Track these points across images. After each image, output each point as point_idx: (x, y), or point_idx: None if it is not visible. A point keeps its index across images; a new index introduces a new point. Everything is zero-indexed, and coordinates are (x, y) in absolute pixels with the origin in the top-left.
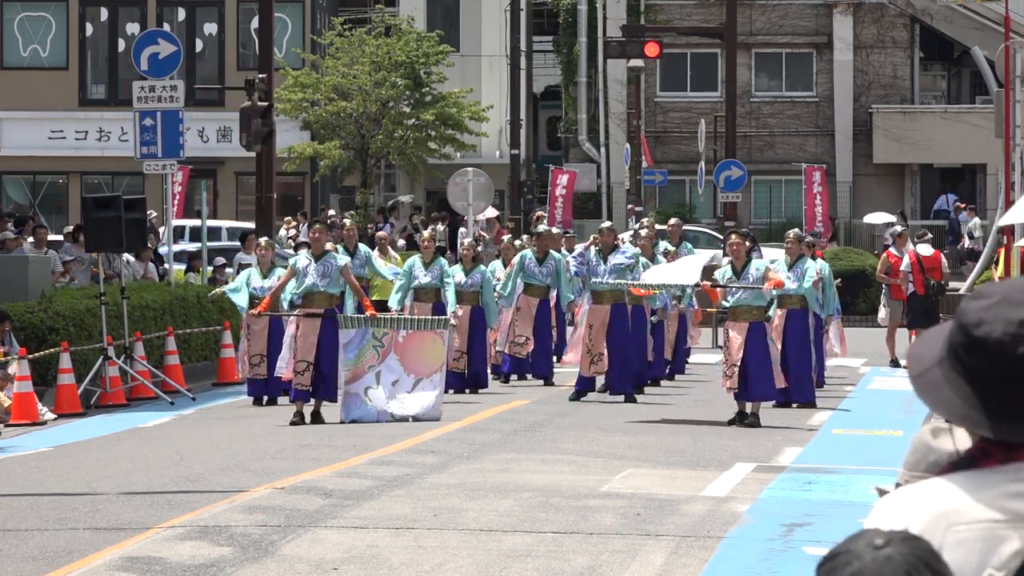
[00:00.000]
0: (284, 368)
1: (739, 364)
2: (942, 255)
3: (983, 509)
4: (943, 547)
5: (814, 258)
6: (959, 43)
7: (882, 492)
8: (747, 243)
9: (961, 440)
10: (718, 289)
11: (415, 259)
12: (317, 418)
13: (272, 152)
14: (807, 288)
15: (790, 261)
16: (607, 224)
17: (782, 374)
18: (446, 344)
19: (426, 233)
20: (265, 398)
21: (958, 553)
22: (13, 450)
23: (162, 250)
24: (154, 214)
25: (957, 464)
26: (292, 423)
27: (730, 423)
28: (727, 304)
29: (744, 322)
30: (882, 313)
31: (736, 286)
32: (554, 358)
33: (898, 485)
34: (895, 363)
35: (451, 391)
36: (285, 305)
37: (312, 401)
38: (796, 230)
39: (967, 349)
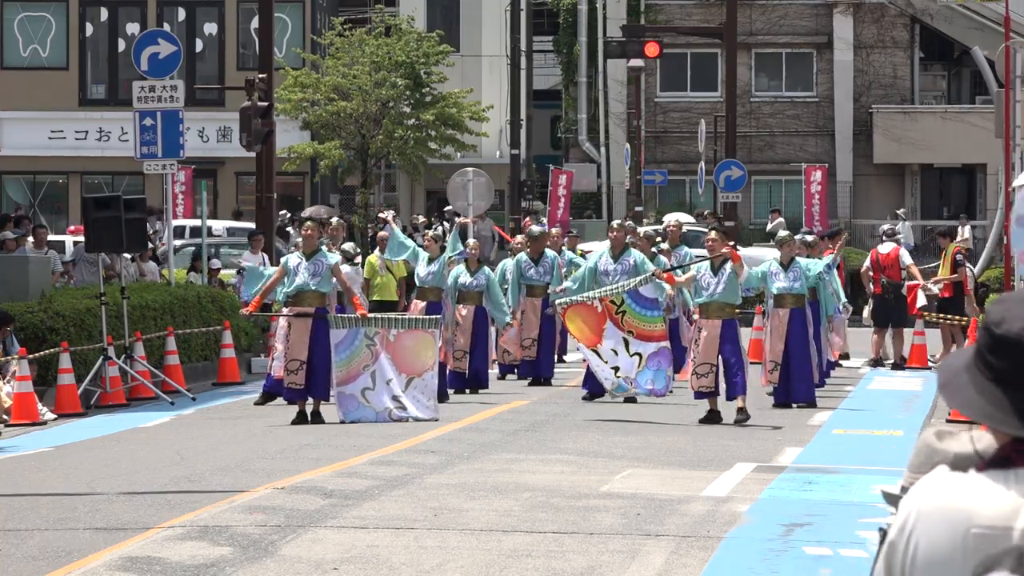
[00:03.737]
0: (278, 367)
1: (716, 363)
2: (902, 253)
3: (1009, 512)
4: (962, 546)
5: (809, 257)
6: (959, 43)
7: (887, 495)
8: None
9: (967, 443)
10: (675, 275)
11: (425, 253)
12: (317, 418)
13: (272, 152)
14: (814, 278)
15: (784, 262)
16: (617, 221)
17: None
18: (437, 343)
19: (429, 232)
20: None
21: (976, 554)
22: (13, 450)
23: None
24: (153, 229)
25: (991, 463)
26: (294, 423)
27: (703, 422)
28: (699, 300)
29: (717, 319)
30: (866, 312)
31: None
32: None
33: (903, 489)
34: (874, 363)
35: (451, 391)
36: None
37: (311, 401)
38: (786, 231)
39: (991, 348)
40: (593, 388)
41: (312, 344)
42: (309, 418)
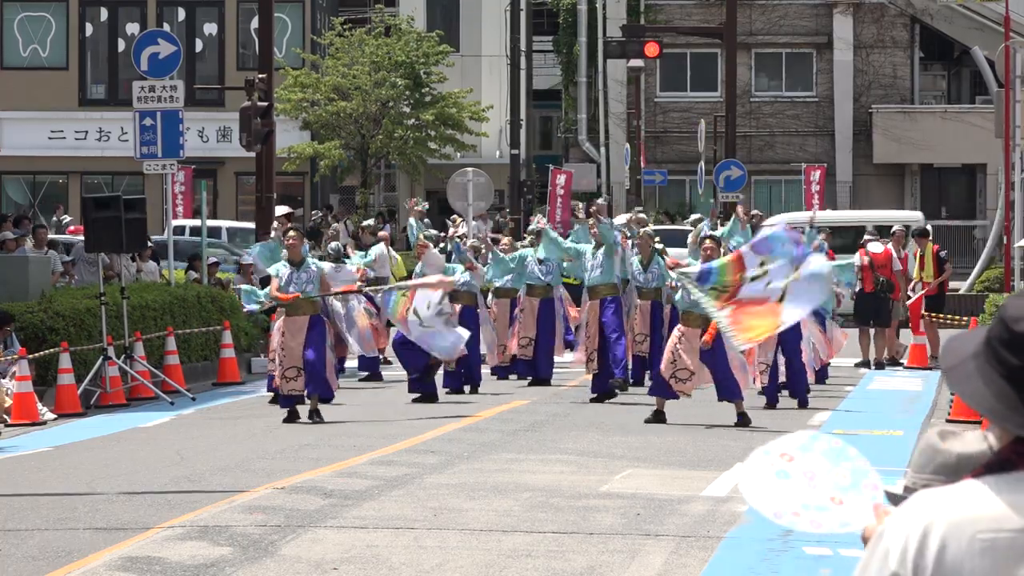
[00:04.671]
0: (274, 373)
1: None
2: (893, 253)
3: (1013, 516)
4: (968, 554)
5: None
6: (959, 43)
7: (890, 494)
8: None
9: (971, 443)
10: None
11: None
12: (316, 416)
13: (272, 152)
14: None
15: None
16: (646, 229)
17: (748, 373)
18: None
19: (454, 230)
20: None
21: (983, 561)
22: (13, 450)
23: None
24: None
25: (990, 467)
26: (285, 421)
27: (649, 421)
28: (681, 306)
29: (697, 328)
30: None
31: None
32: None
33: (906, 488)
34: (880, 365)
35: (447, 390)
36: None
37: (307, 401)
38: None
39: (1005, 344)
40: (599, 390)
41: (307, 346)
42: (307, 417)
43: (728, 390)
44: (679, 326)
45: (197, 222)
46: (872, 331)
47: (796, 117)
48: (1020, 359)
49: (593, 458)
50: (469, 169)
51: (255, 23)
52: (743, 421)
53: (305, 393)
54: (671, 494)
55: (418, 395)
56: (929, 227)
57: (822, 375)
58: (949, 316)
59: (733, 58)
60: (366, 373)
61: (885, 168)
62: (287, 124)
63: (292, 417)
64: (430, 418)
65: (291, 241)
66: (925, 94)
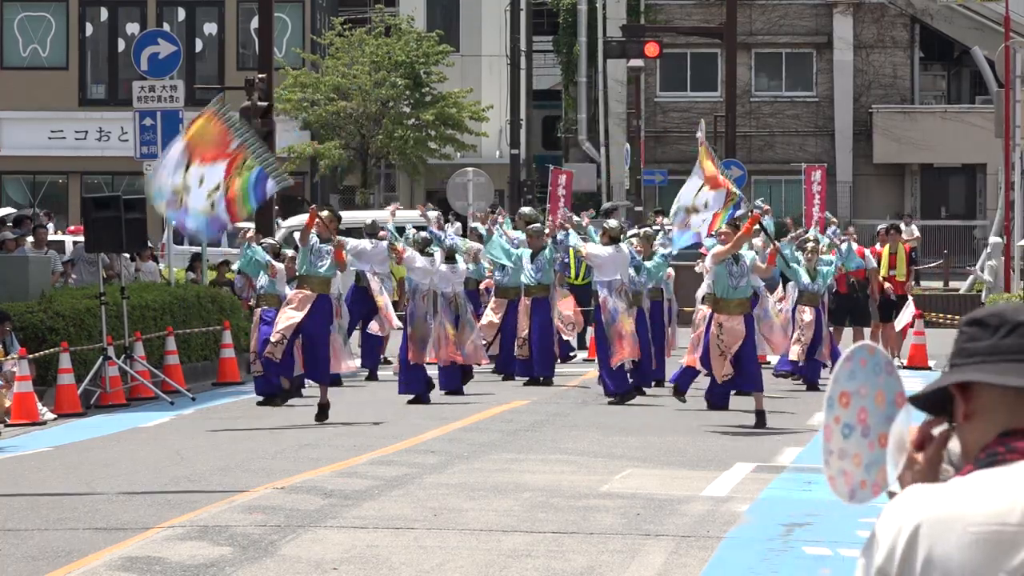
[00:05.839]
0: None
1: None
2: (866, 253)
3: (1003, 510)
4: (958, 547)
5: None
6: (959, 43)
7: (891, 493)
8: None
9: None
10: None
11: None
12: (322, 413)
13: (272, 152)
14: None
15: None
16: (535, 226)
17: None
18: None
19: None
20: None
21: (973, 554)
22: (13, 450)
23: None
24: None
25: (977, 462)
26: (269, 398)
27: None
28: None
29: (733, 313)
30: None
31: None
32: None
33: None
34: None
35: (444, 392)
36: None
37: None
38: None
39: (973, 337)
40: (618, 389)
41: (307, 325)
42: (316, 415)
43: (753, 382)
44: (715, 316)
45: None
46: (853, 331)
47: (796, 117)
48: (995, 334)
49: (593, 458)
50: (469, 169)
51: (255, 23)
52: (761, 421)
53: (315, 383)
54: (671, 494)
55: (411, 397)
56: (903, 225)
57: (816, 374)
58: (949, 316)
59: (733, 58)
60: (366, 373)
61: (885, 168)
62: (287, 124)
63: (268, 403)
64: (430, 418)
65: (326, 221)
66: (925, 94)
